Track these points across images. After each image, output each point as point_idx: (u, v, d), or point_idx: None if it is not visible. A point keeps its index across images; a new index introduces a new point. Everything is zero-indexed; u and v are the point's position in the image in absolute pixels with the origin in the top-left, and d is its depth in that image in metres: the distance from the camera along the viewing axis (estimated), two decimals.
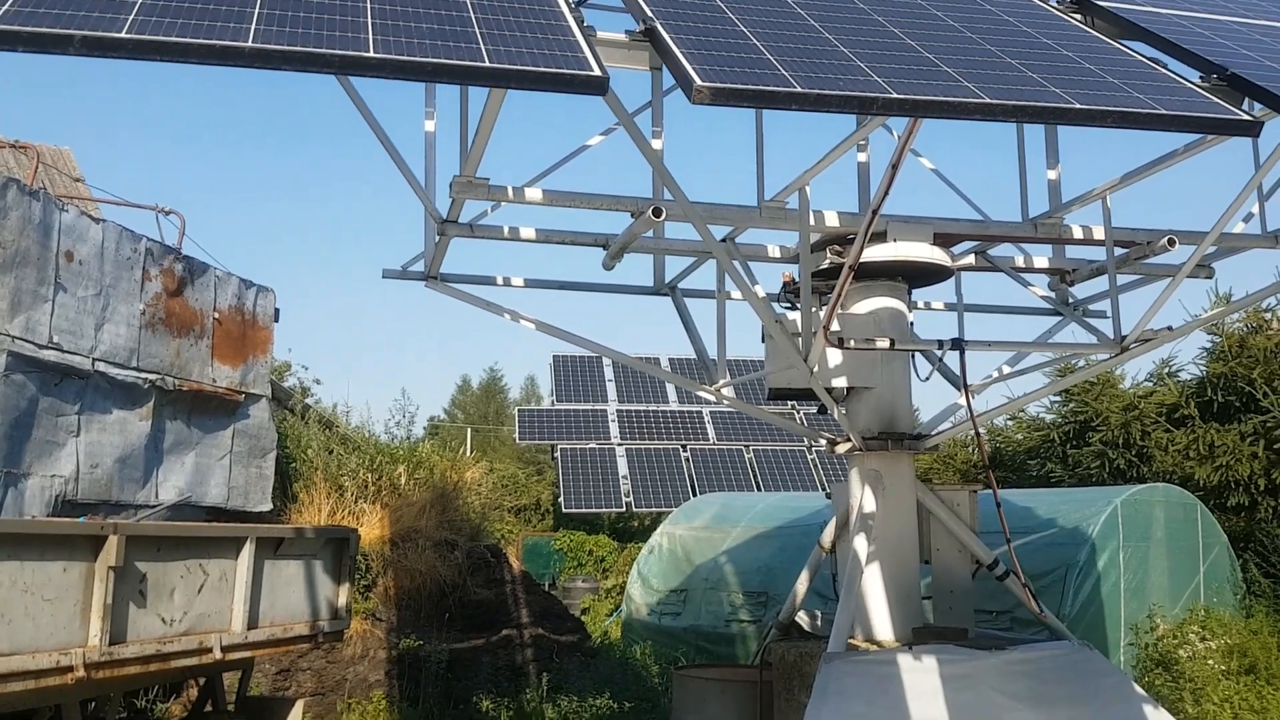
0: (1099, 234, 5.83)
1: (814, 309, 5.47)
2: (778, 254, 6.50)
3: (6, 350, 7.34)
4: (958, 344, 5.37)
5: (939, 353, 5.87)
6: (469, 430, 37.79)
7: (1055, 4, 3.99)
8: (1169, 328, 5.25)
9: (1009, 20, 3.25)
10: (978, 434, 5.83)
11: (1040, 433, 14.32)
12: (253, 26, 2.15)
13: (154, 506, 8.97)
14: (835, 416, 5.76)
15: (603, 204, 5.50)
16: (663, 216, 4.84)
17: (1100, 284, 6.29)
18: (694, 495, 18.13)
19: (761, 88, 2.35)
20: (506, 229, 5.98)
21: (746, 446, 21.34)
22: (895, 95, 2.40)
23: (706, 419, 22.02)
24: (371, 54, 2.13)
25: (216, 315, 9.96)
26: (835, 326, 5.42)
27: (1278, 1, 4.83)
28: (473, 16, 2.46)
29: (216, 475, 9.87)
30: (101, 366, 8.37)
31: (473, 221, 5.80)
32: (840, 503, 5.97)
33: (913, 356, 6.02)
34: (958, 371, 5.78)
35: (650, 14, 2.72)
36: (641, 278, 7.10)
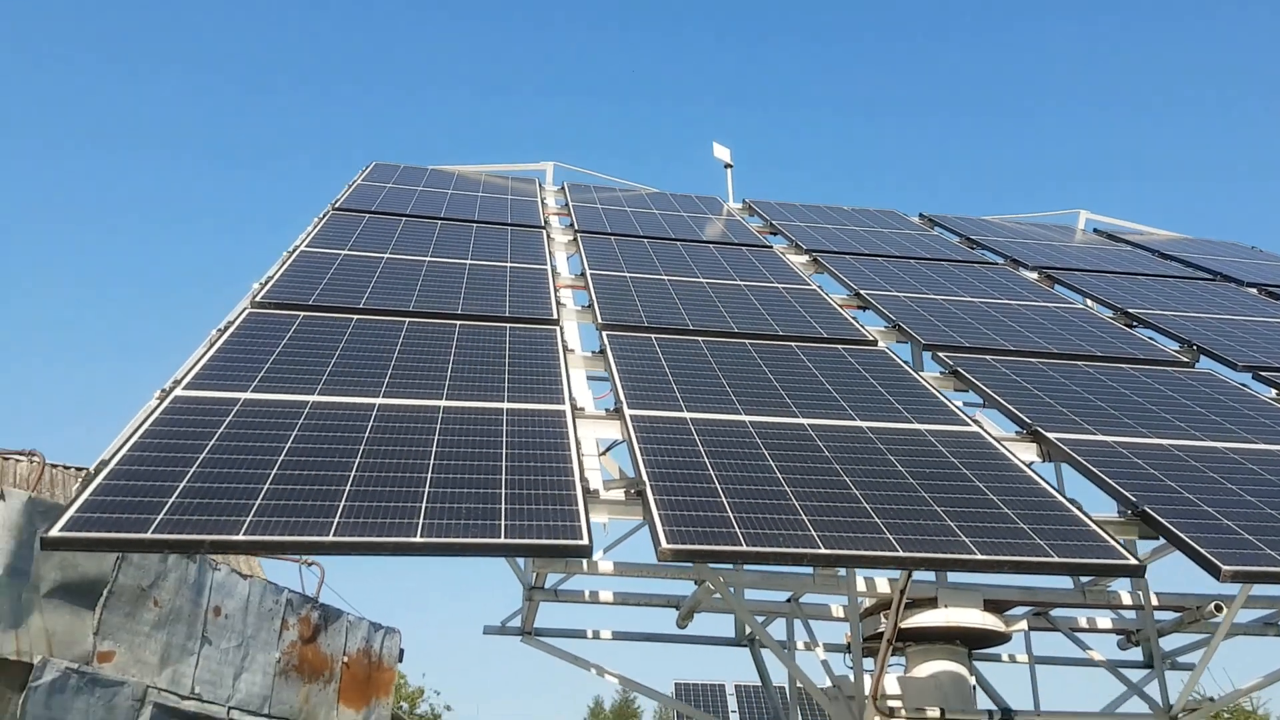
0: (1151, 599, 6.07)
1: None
2: (841, 614, 6.92)
3: (153, 703, 8.22)
4: (1007, 715, 5.56)
5: None
6: None
7: (1017, 432, 4.64)
8: (1210, 698, 5.35)
9: (955, 467, 3.91)
10: None
11: None
12: (335, 519, 3.00)
13: None
14: None
15: (669, 573, 6.16)
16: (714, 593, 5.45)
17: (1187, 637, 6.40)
18: None
19: (713, 547, 3.04)
20: (587, 592, 6.70)
21: None
22: (822, 550, 3.04)
23: None
24: (418, 539, 2.94)
25: (345, 660, 10.76)
26: (892, 690, 5.73)
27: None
28: (503, 493, 3.27)
29: None
30: (235, 715, 9.14)
31: (556, 586, 6.56)
32: None
33: None
34: None
35: (645, 477, 3.50)
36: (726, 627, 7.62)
